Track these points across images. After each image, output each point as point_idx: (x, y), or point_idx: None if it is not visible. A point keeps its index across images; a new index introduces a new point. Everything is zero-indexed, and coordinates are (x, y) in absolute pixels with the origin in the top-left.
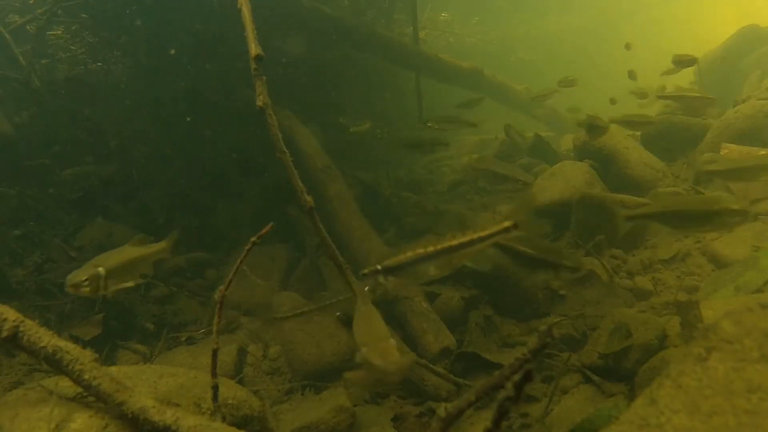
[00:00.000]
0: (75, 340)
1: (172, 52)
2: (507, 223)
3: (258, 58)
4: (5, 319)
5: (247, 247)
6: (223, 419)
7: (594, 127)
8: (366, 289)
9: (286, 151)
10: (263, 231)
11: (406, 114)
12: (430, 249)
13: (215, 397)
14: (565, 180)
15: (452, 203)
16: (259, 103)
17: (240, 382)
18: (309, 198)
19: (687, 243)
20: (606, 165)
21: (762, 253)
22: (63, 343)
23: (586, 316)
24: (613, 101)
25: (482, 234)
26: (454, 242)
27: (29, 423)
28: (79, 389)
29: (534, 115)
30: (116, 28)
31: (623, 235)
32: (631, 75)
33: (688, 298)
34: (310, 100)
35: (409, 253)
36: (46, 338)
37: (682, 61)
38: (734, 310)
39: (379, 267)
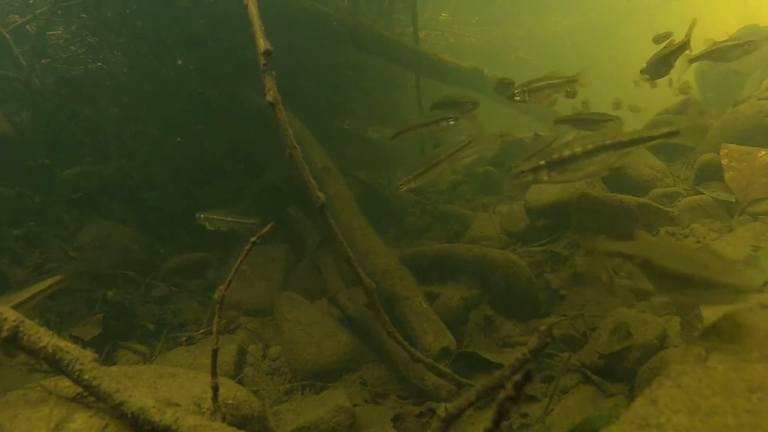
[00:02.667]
0: (75, 340)
1: (180, 62)
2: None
3: (267, 53)
4: (5, 319)
5: (247, 247)
6: (223, 419)
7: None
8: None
9: (297, 147)
10: (263, 231)
11: (406, 114)
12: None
13: (215, 397)
14: None
15: (452, 203)
16: (268, 98)
17: (240, 382)
18: (321, 194)
19: (687, 243)
20: None
21: (762, 253)
22: (63, 343)
23: (586, 316)
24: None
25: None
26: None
27: (29, 423)
28: (79, 389)
29: (535, 114)
30: (116, 28)
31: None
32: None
33: None
34: (311, 101)
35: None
36: (46, 338)
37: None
38: (734, 310)
39: None
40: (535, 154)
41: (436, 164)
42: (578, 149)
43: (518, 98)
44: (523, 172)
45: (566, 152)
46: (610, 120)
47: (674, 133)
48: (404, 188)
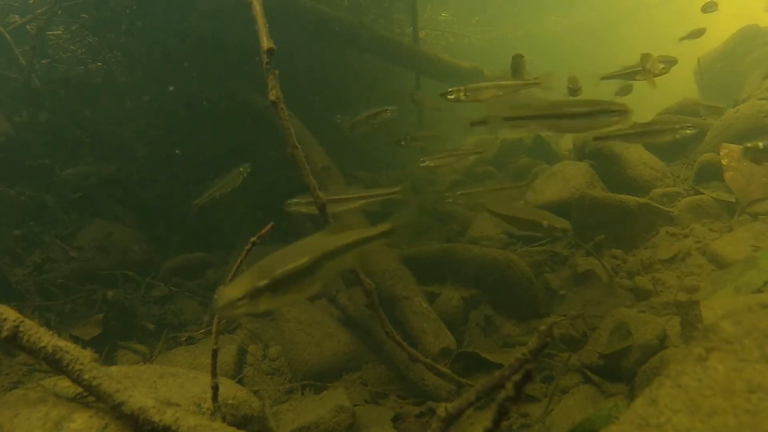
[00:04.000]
0: (75, 340)
1: (170, 88)
2: None
3: (270, 51)
4: (5, 319)
5: (246, 247)
6: (223, 419)
7: None
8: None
9: (298, 146)
10: (263, 231)
11: (406, 113)
12: None
13: (215, 397)
14: (565, 180)
15: (452, 203)
16: (271, 97)
17: (240, 382)
18: (321, 194)
19: (687, 243)
20: (606, 165)
21: (762, 253)
22: (63, 343)
23: (586, 316)
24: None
25: None
26: None
27: (29, 423)
28: (79, 389)
29: None
30: (116, 28)
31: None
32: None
33: (688, 298)
34: (310, 101)
35: None
36: (46, 338)
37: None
38: (734, 310)
39: None
40: (248, 271)
41: (354, 198)
42: (303, 260)
43: (452, 97)
44: (235, 301)
45: (290, 266)
46: (687, 129)
47: (390, 232)
48: (294, 208)
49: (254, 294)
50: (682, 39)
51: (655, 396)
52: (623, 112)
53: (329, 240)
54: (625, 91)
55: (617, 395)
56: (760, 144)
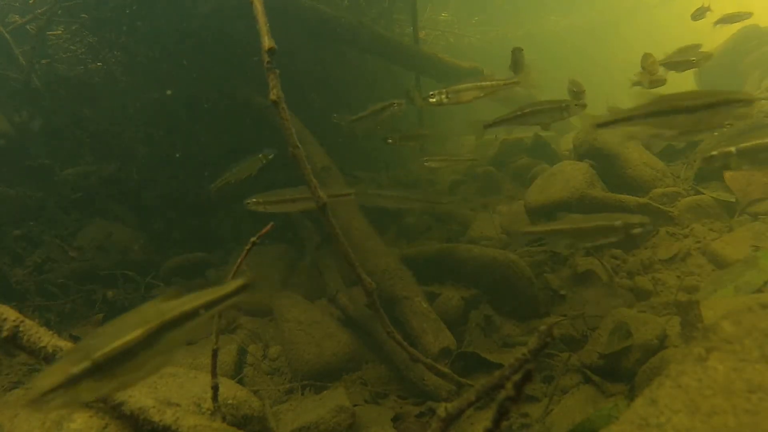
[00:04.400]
0: (75, 340)
1: (168, 92)
2: None
3: (271, 51)
4: (5, 319)
5: (247, 247)
6: (223, 419)
7: None
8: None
9: (299, 146)
10: (263, 231)
11: (406, 112)
12: None
13: (215, 397)
14: (565, 180)
15: (452, 203)
16: (272, 96)
17: (240, 382)
18: (322, 194)
19: (687, 243)
20: (606, 165)
21: (762, 253)
22: (63, 343)
23: (586, 316)
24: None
25: None
26: None
27: (29, 423)
28: None
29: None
30: (116, 28)
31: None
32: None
33: (688, 298)
34: (310, 100)
35: None
36: (46, 338)
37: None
38: (734, 310)
39: None
40: (66, 353)
41: (290, 200)
42: (133, 335)
43: (434, 100)
44: (47, 393)
45: (116, 344)
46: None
47: (243, 288)
48: (252, 207)
49: (71, 382)
50: (716, 23)
51: (655, 396)
52: (747, 101)
53: (168, 307)
54: (656, 84)
55: (617, 395)
56: (733, 149)
